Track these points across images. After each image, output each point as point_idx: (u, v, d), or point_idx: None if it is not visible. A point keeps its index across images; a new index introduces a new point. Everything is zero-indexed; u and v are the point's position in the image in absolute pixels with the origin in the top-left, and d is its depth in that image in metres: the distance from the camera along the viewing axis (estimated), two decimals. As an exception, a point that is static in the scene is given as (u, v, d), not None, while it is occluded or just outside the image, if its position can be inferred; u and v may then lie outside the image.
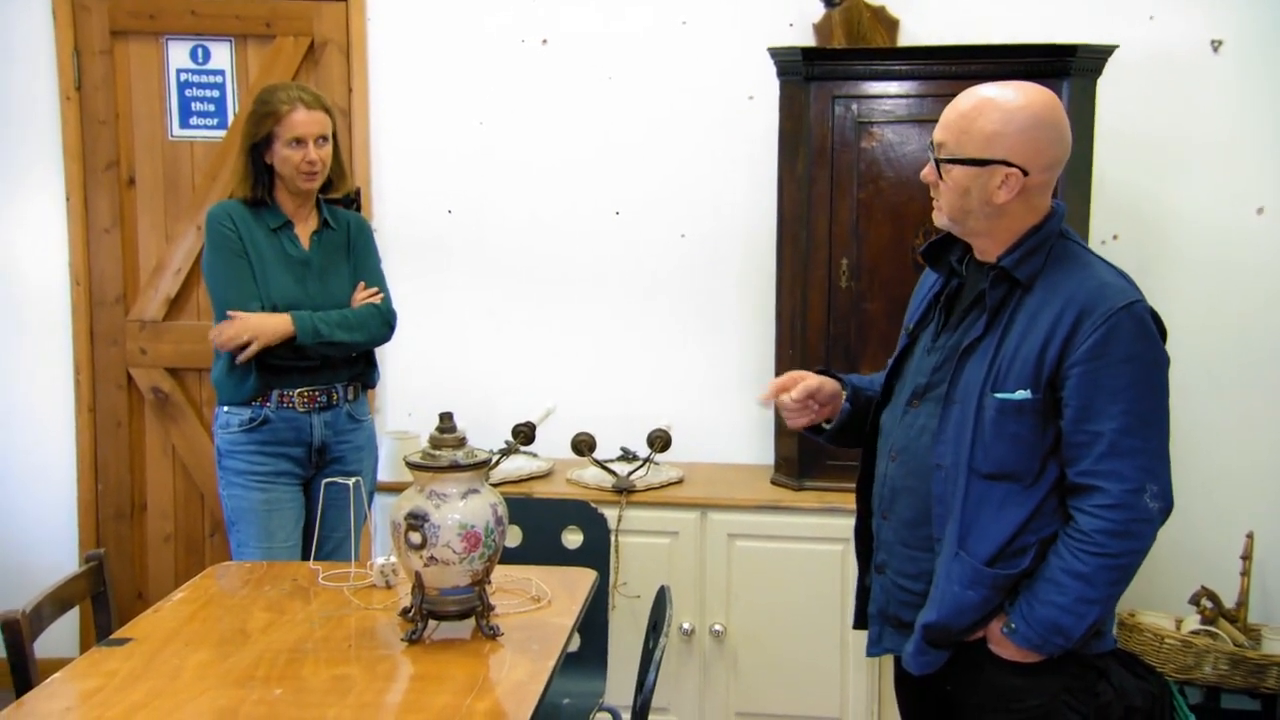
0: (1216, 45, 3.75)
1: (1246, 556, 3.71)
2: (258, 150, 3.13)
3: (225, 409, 3.17)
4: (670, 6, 3.94)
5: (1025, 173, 2.14)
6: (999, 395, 2.17)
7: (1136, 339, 2.12)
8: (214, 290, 3.17)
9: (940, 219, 2.27)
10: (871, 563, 2.43)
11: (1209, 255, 3.81)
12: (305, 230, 3.23)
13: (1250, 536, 3.72)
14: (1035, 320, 2.17)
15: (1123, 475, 2.12)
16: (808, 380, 2.48)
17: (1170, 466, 2.17)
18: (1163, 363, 2.16)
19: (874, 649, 2.45)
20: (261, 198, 3.16)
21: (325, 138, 3.13)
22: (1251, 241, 3.79)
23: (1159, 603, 3.82)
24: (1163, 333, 2.18)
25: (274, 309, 3.11)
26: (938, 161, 2.22)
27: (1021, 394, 2.16)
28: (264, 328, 3.06)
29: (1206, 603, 3.67)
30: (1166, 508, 2.15)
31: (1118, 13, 3.73)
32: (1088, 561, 2.13)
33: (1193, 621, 3.67)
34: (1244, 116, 3.76)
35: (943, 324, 2.35)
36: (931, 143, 2.24)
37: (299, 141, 3.08)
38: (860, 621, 2.50)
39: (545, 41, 3.99)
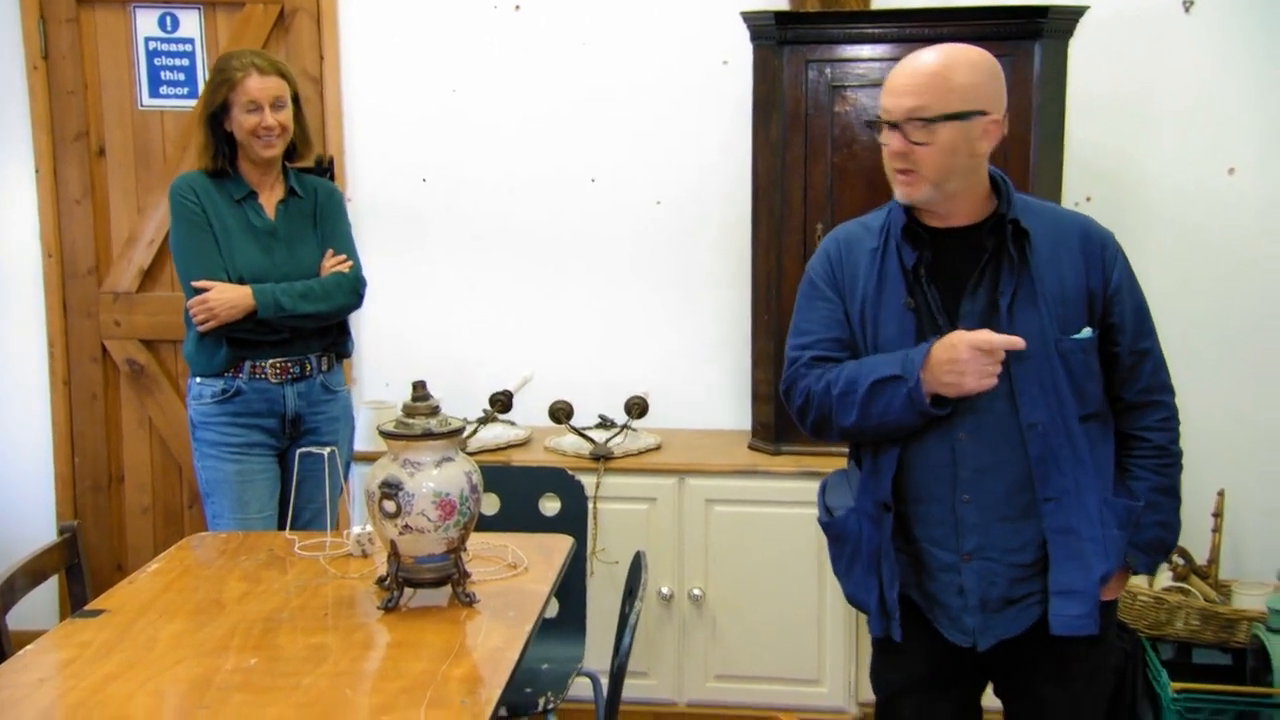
0: (1188, 5, 3.74)
1: (1218, 514, 3.74)
2: (217, 119, 3.09)
3: (198, 381, 3.15)
4: (643, -29, 3.92)
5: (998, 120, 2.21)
6: (1075, 337, 2.22)
7: (1129, 263, 2.32)
8: (179, 263, 3.13)
9: (920, 191, 2.22)
10: (959, 553, 2.27)
11: (1182, 216, 3.82)
12: (271, 200, 3.19)
13: (1221, 494, 3.75)
14: (1057, 262, 2.23)
15: (1168, 386, 2.31)
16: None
17: None
18: None
19: (986, 640, 2.28)
20: (223, 168, 3.12)
21: (282, 103, 3.08)
22: (1223, 202, 3.80)
23: (1132, 562, 3.83)
24: None
25: (240, 281, 3.07)
26: (920, 126, 2.16)
27: (1086, 331, 2.22)
28: (226, 302, 3.03)
29: (1178, 560, 3.70)
30: None
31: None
32: (1172, 475, 2.28)
33: (1165, 579, 3.70)
34: (1215, 77, 3.75)
35: (947, 293, 2.28)
36: (887, 121, 2.19)
37: (255, 107, 3.03)
38: (908, 625, 2.32)
39: (518, 7, 3.96)
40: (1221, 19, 3.73)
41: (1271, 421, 3.76)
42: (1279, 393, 3.69)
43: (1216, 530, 3.74)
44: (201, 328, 3.06)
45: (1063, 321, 2.21)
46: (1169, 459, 2.27)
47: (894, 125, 2.19)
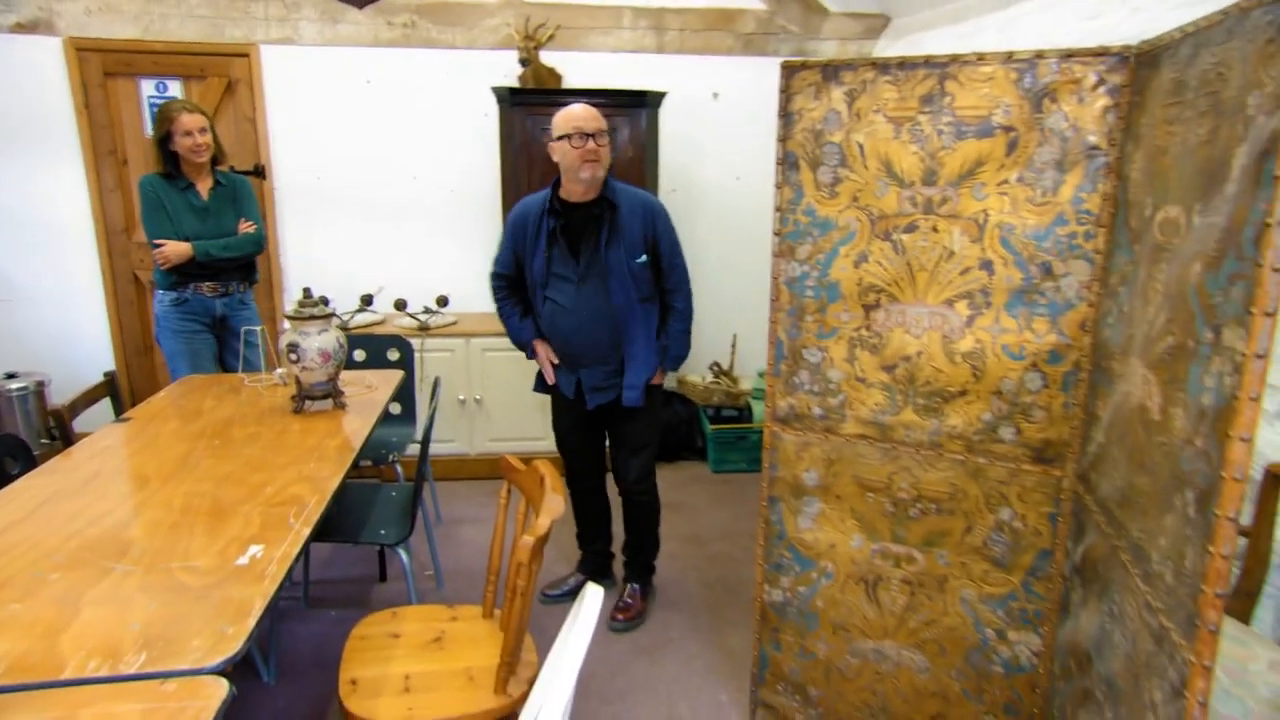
0: (716, 95, 3.89)
1: (734, 346, 4.02)
2: (164, 142, 2.84)
3: (161, 293, 2.93)
4: (442, 65, 3.81)
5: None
6: (635, 261, 2.22)
7: (670, 220, 2.29)
8: (146, 229, 2.88)
9: (600, 172, 2.19)
10: (577, 369, 2.38)
11: (718, 201, 3.98)
12: (204, 188, 2.93)
13: (735, 335, 4.02)
14: (630, 221, 2.21)
15: (684, 284, 2.30)
16: (550, 358, 2.44)
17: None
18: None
19: (593, 405, 2.38)
20: (170, 171, 2.87)
21: (205, 130, 2.85)
22: (736, 194, 3.98)
23: (695, 370, 4.09)
24: None
25: (185, 239, 2.87)
26: (603, 136, 2.18)
27: (643, 259, 2.23)
28: (175, 252, 2.85)
29: (716, 367, 3.97)
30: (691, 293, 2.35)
31: (667, 74, 3.81)
32: (684, 325, 2.31)
33: (710, 376, 3.98)
34: (729, 128, 3.90)
35: (572, 241, 2.25)
36: (599, 132, 2.18)
37: (187, 133, 2.82)
38: (575, 395, 2.44)
39: (369, 81, 3.82)
40: (732, 99, 3.87)
41: (757, 299, 3.92)
42: (760, 282, 3.83)
43: (732, 353, 4.00)
44: (162, 267, 2.87)
45: (631, 253, 2.24)
46: (681, 319, 2.31)
47: (590, 135, 2.16)
